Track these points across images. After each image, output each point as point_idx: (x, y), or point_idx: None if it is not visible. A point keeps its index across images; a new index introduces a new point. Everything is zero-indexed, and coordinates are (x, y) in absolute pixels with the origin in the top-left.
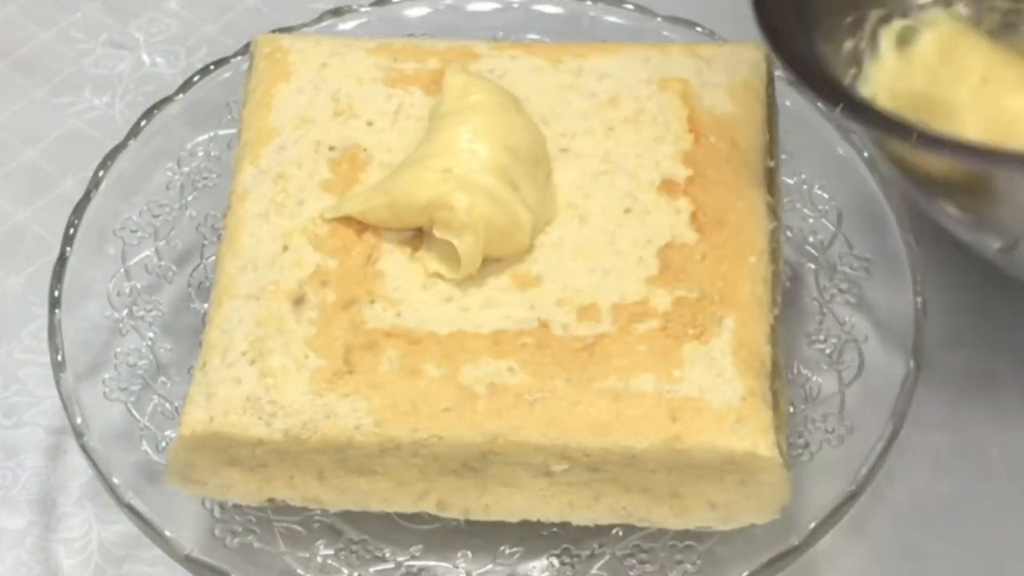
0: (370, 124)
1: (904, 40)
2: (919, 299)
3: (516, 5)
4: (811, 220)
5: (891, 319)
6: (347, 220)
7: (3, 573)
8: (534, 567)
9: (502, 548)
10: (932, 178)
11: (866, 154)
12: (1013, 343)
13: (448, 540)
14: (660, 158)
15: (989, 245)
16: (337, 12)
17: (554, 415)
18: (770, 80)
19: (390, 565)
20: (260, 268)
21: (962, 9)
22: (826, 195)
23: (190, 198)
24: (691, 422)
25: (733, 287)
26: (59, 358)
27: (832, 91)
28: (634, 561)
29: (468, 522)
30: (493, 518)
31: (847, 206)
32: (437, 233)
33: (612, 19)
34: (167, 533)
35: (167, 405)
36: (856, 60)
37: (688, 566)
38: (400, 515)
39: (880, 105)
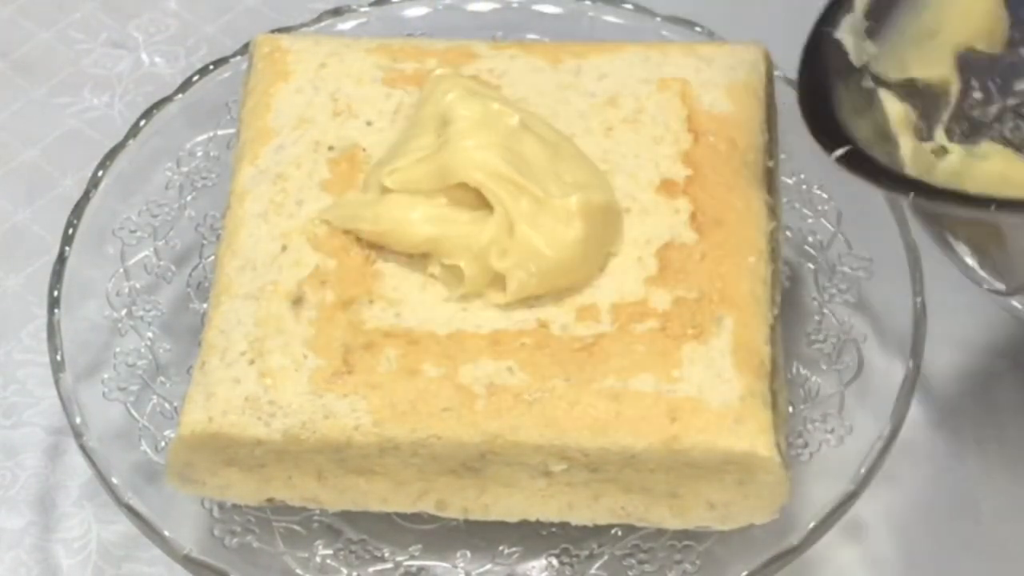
0: (369, 124)
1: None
2: (918, 299)
3: (515, 5)
4: (810, 220)
5: (890, 319)
6: None
7: (2, 573)
8: (533, 567)
9: (501, 548)
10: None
11: None
12: (1013, 343)
13: (447, 540)
14: (659, 158)
15: (997, 287)
16: (336, 12)
17: (553, 415)
18: (769, 80)
19: (389, 565)
20: (259, 268)
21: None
22: (825, 195)
23: (189, 198)
24: (690, 422)
25: (732, 287)
26: (58, 358)
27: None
28: (633, 561)
29: (467, 522)
30: (492, 518)
31: (846, 206)
32: (444, 260)
33: (611, 19)
34: (166, 533)
35: (166, 405)
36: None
37: (687, 566)
38: (399, 515)
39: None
